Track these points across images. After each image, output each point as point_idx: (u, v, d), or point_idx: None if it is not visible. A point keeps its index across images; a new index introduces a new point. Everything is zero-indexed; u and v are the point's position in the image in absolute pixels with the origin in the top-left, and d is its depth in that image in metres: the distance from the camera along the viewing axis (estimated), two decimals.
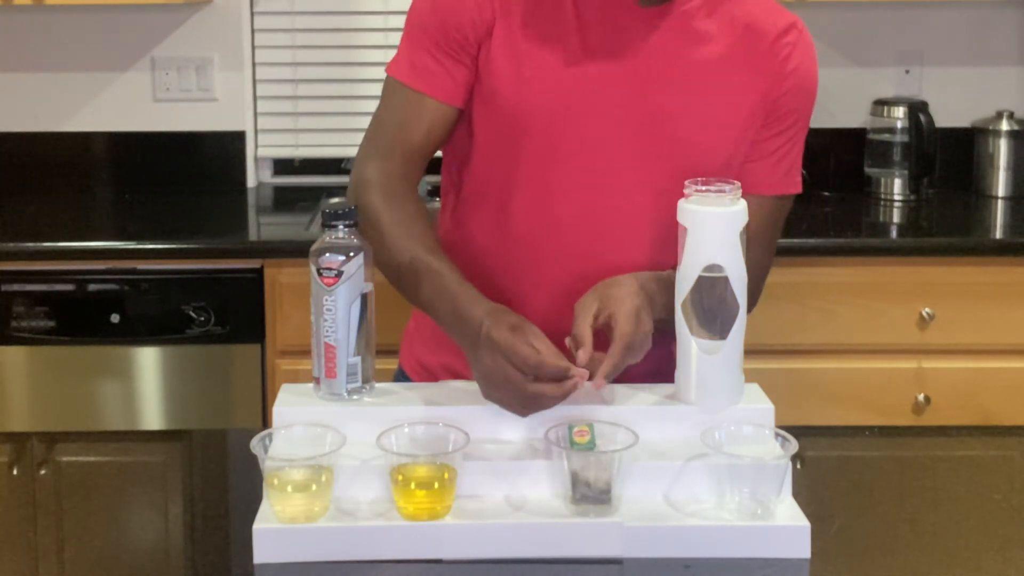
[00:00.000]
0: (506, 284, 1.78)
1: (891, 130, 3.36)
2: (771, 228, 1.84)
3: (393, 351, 1.97)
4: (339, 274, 1.57)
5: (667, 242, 1.74)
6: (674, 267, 1.66)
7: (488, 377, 1.55)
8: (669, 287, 1.66)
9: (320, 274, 1.57)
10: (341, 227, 1.58)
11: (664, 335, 1.71)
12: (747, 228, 1.64)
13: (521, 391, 1.52)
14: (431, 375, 1.87)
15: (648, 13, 1.73)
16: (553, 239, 1.74)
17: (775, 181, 1.83)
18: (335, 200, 3.32)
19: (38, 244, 2.97)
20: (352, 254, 1.57)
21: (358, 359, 1.59)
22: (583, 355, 1.54)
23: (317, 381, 1.60)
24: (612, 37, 1.73)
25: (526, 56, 1.73)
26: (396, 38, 1.83)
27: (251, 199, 3.45)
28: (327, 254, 1.57)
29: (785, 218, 1.89)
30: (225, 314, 2.92)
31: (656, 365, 1.81)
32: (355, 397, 1.59)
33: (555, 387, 1.51)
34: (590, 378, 1.53)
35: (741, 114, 1.77)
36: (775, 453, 1.48)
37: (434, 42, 1.76)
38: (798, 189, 1.86)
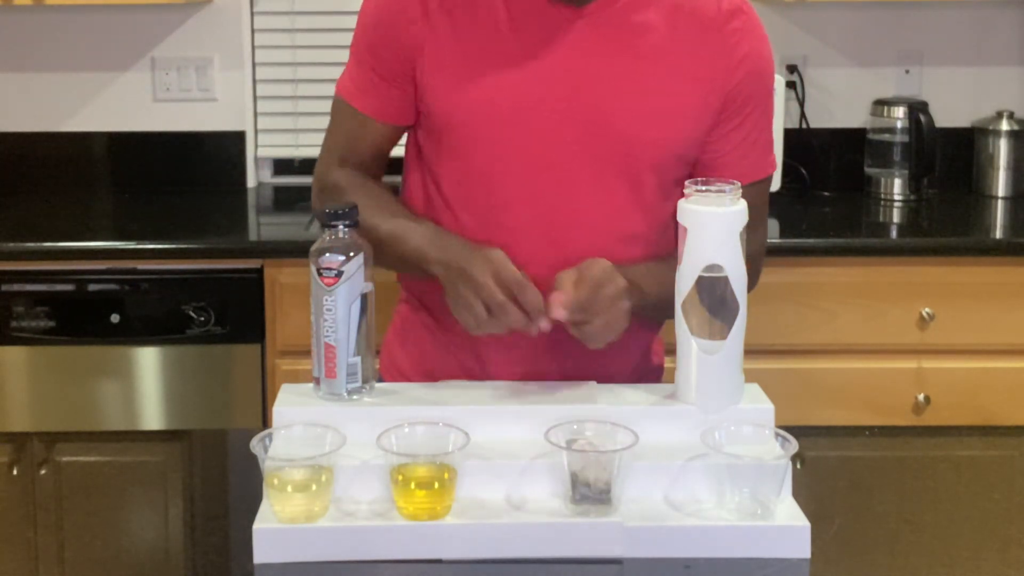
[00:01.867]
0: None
1: (891, 130, 3.36)
2: (758, 211, 1.80)
3: None
4: (339, 274, 1.57)
5: (626, 242, 1.75)
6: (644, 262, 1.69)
7: (467, 278, 1.61)
8: (646, 275, 1.68)
9: (320, 274, 1.57)
10: (341, 227, 1.58)
11: (645, 327, 1.71)
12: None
13: (491, 297, 1.59)
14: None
15: (584, 11, 1.72)
16: (507, 248, 1.70)
17: (748, 169, 1.79)
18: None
19: (38, 244, 2.97)
20: (352, 254, 1.57)
21: (358, 359, 1.59)
22: (555, 296, 1.59)
23: (317, 381, 1.60)
24: (548, 38, 1.72)
25: (463, 67, 1.73)
26: None
27: (251, 199, 3.45)
28: (327, 254, 1.57)
29: (768, 193, 1.89)
30: (225, 314, 2.92)
31: (640, 361, 1.82)
32: (355, 397, 1.59)
33: (520, 315, 1.59)
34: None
35: (690, 105, 1.74)
36: (775, 453, 1.48)
37: (370, 64, 1.79)
38: (773, 168, 1.85)
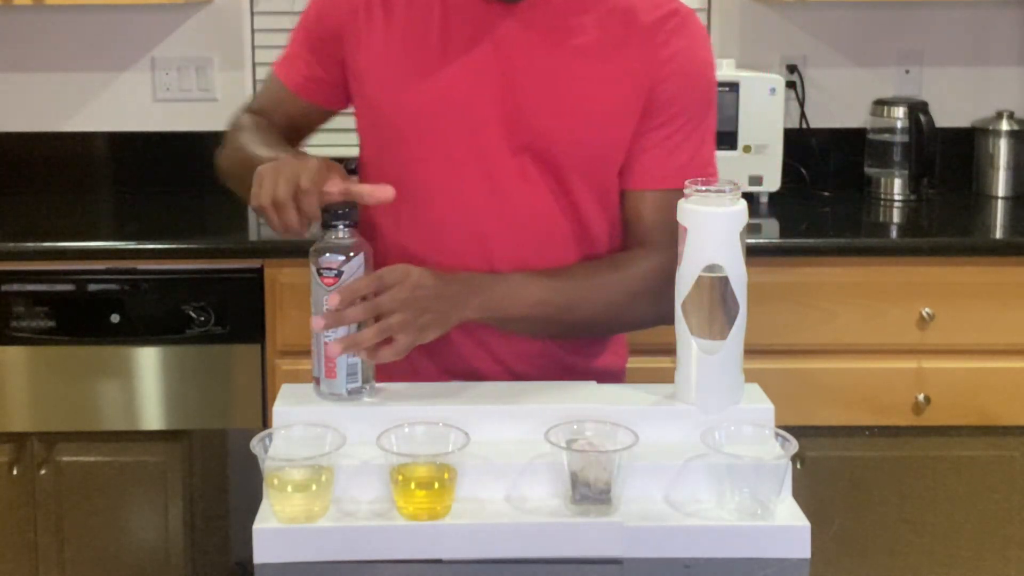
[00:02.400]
0: None
1: (891, 130, 3.36)
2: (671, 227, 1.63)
3: None
4: (339, 274, 1.56)
5: (553, 242, 1.75)
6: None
7: (281, 163, 1.58)
8: (499, 278, 1.69)
9: (320, 274, 1.57)
10: (341, 227, 1.57)
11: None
12: (641, 226, 1.73)
13: (285, 182, 1.54)
14: None
15: (515, 9, 1.72)
16: (436, 244, 1.70)
17: (670, 174, 1.73)
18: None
19: (38, 244, 2.97)
20: (352, 254, 1.57)
21: (358, 359, 1.59)
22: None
23: (317, 381, 1.60)
24: (478, 35, 1.73)
25: (397, 62, 1.75)
26: None
27: None
28: (327, 254, 1.57)
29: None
30: (225, 314, 2.92)
31: (569, 364, 1.82)
32: (355, 397, 1.59)
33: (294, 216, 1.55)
34: None
35: (615, 107, 1.73)
36: (775, 453, 1.48)
37: (302, 41, 1.84)
38: (710, 173, 1.75)
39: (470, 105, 1.73)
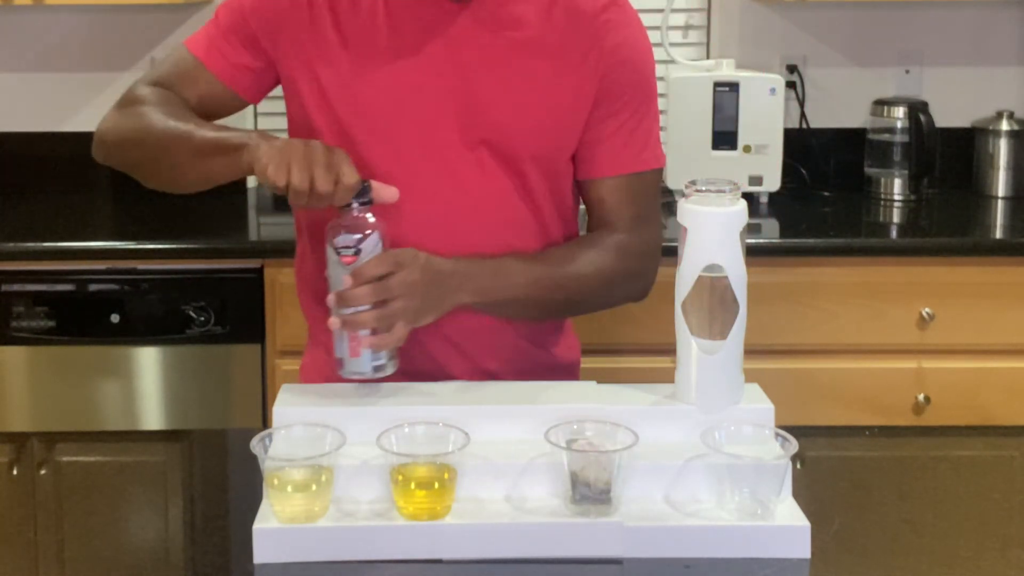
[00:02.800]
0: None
1: (891, 130, 3.36)
2: (645, 202, 1.83)
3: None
4: (358, 252, 1.58)
5: (514, 229, 1.78)
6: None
7: (303, 144, 1.60)
8: (478, 261, 1.72)
9: (339, 253, 1.58)
10: (356, 204, 1.59)
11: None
12: (614, 211, 1.78)
13: (312, 165, 1.57)
14: None
15: (459, 6, 1.74)
16: (398, 242, 1.69)
17: (628, 160, 1.81)
18: None
19: (38, 244, 2.97)
20: (369, 232, 1.58)
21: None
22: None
23: (340, 362, 1.61)
24: (425, 31, 1.74)
25: (341, 63, 1.74)
26: None
27: (251, 199, 3.45)
28: (344, 232, 1.58)
29: (659, 189, 1.88)
30: (225, 314, 2.92)
31: (521, 356, 1.82)
32: (379, 373, 1.61)
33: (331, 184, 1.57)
34: None
35: (564, 95, 1.77)
36: (775, 453, 1.48)
37: (230, 25, 1.80)
38: (659, 162, 1.85)
39: (423, 101, 1.74)
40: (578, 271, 1.79)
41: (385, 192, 1.63)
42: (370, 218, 1.60)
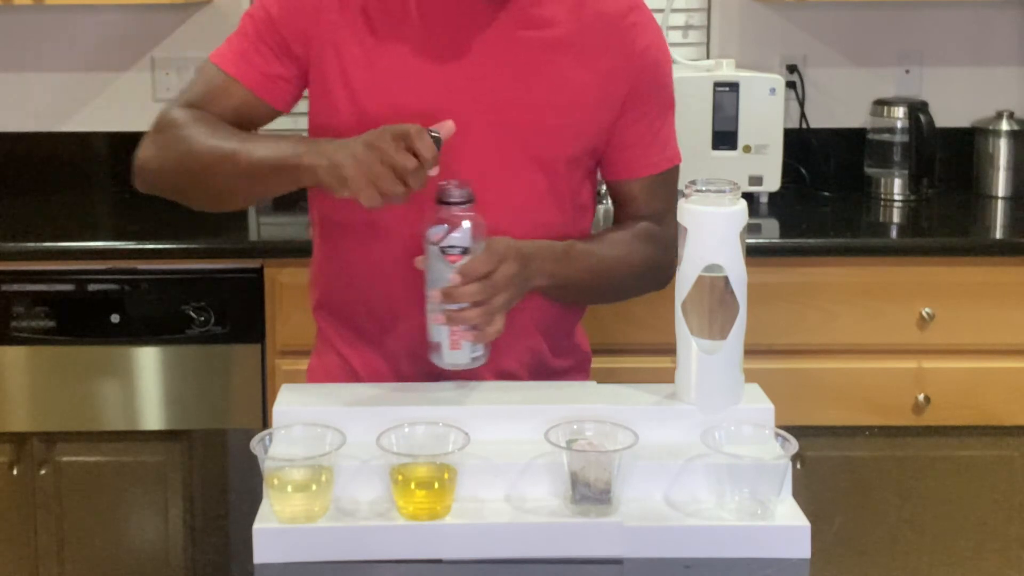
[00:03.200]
0: (382, 305, 1.79)
1: (891, 130, 3.36)
2: (670, 197, 1.88)
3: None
4: (464, 251, 1.60)
5: (540, 231, 1.78)
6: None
7: (367, 146, 1.56)
8: (550, 247, 1.74)
9: (445, 252, 1.59)
10: (461, 205, 1.60)
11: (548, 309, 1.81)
12: (641, 211, 1.83)
13: (390, 158, 1.54)
14: None
15: (490, 6, 1.75)
16: (423, 250, 1.69)
17: (655, 159, 1.87)
18: None
19: (38, 244, 2.97)
20: (475, 232, 1.61)
21: None
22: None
23: (437, 350, 1.64)
24: (456, 33, 1.74)
25: (373, 61, 1.74)
26: None
27: None
28: (453, 232, 1.60)
29: (677, 183, 1.92)
30: (225, 314, 2.92)
31: (536, 355, 1.83)
32: (477, 364, 1.65)
33: (414, 161, 1.55)
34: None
35: (594, 96, 1.78)
36: (775, 453, 1.48)
37: (259, 35, 1.78)
38: (679, 159, 1.90)
39: (456, 101, 1.73)
40: (629, 259, 1.84)
41: (444, 129, 1.62)
42: (472, 216, 1.61)
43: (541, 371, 1.85)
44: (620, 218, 1.91)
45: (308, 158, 1.62)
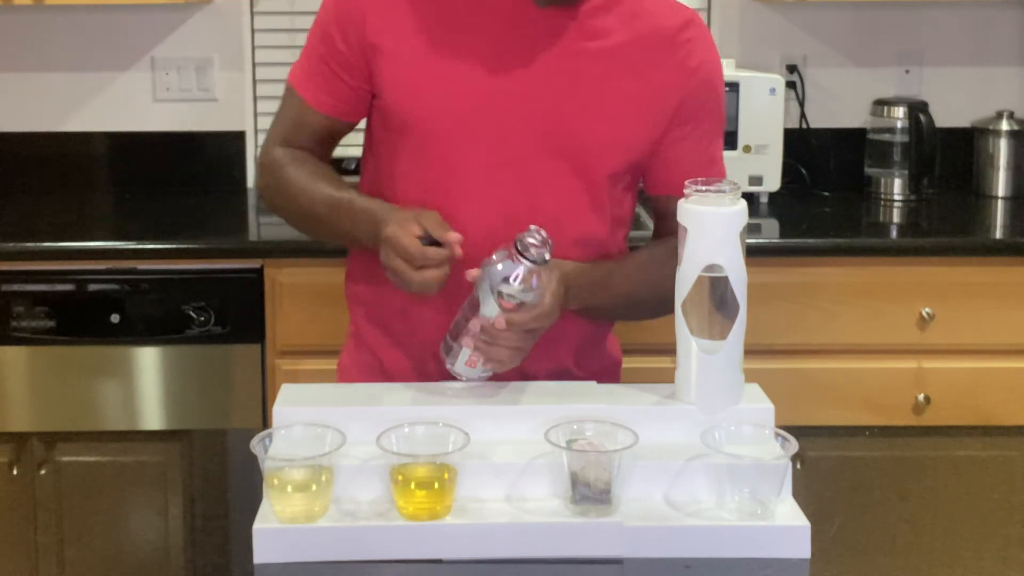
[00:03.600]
0: (421, 298, 1.76)
1: (891, 130, 3.36)
2: None
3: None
4: (521, 304, 1.60)
5: (581, 243, 1.77)
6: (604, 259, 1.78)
7: (386, 240, 1.65)
8: (588, 273, 1.74)
9: (502, 296, 1.59)
10: (535, 263, 1.59)
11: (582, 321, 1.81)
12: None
13: (408, 279, 1.63)
14: None
15: (545, 13, 1.73)
16: (466, 244, 1.69)
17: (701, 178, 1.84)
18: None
19: (38, 244, 2.97)
20: (535, 286, 1.60)
21: None
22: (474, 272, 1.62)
23: (451, 356, 1.66)
24: (509, 38, 1.73)
25: (423, 65, 1.74)
26: None
27: (251, 199, 3.44)
28: (515, 283, 1.59)
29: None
30: (225, 314, 2.92)
31: (560, 365, 1.83)
32: (484, 376, 1.67)
33: (438, 272, 1.62)
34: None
35: (645, 110, 1.77)
36: (775, 453, 1.48)
37: (322, 54, 1.80)
38: (723, 175, 1.86)
39: (504, 106, 1.72)
40: (664, 284, 1.77)
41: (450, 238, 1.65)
42: (541, 272, 1.60)
43: (564, 379, 1.82)
44: (660, 232, 1.88)
45: (366, 240, 1.73)
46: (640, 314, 1.92)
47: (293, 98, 1.86)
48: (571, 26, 1.74)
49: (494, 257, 1.61)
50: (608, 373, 1.93)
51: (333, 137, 1.87)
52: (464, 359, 1.66)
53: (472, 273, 1.62)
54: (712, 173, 1.81)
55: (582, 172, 1.76)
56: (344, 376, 1.93)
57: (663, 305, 1.80)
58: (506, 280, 1.59)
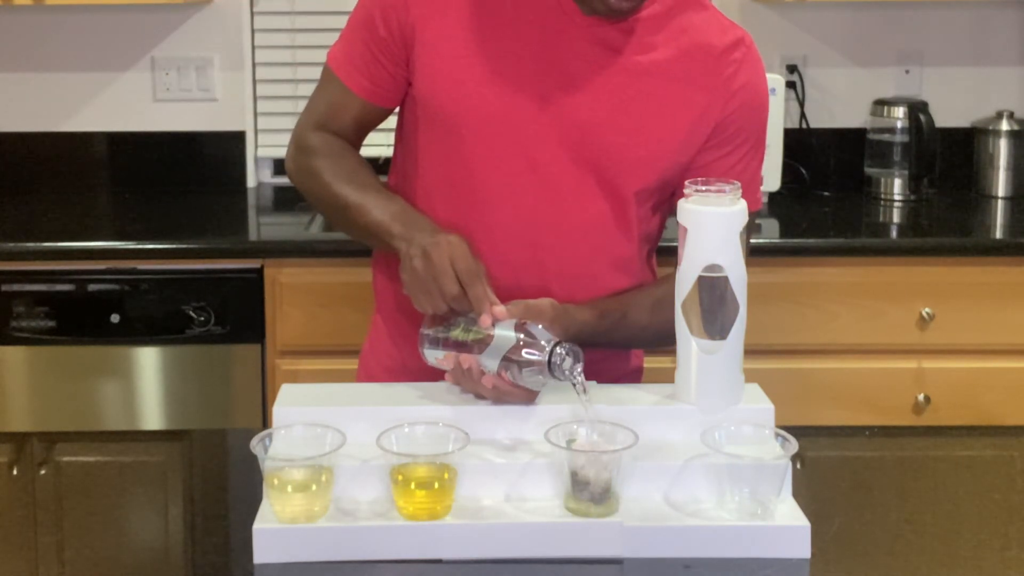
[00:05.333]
0: None
1: (891, 130, 3.36)
2: (742, 243, 1.79)
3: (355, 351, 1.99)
4: (516, 385, 1.57)
5: (602, 253, 1.76)
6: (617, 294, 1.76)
7: (427, 260, 1.61)
8: (593, 329, 1.72)
9: (506, 370, 1.56)
10: (554, 376, 1.54)
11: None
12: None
13: (446, 287, 1.60)
14: None
15: (589, 21, 1.71)
16: (487, 247, 1.70)
17: None
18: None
19: (38, 244, 2.97)
20: (541, 383, 1.56)
21: None
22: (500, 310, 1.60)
23: (426, 346, 1.65)
24: (548, 44, 1.71)
25: (460, 60, 1.72)
26: None
27: (251, 199, 3.45)
28: (529, 377, 1.55)
29: (750, 231, 1.82)
30: (225, 314, 2.92)
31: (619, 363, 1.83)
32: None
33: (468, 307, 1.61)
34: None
35: (679, 128, 1.74)
36: (775, 453, 1.48)
37: (364, 39, 1.78)
38: (757, 206, 1.84)
39: (535, 111, 1.71)
40: (658, 319, 1.77)
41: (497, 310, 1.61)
42: (558, 372, 1.56)
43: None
44: None
45: (397, 241, 1.70)
46: (647, 345, 1.92)
47: (331, 80, 1.83)
48: (616, 38, 1.71)
49: (529, 330, 1.57)
50: (629, 379, 1.91)
51: (370, 121, 1.85)
52: (439, 357, 1.64)
53: (499, 312, 1.59)
54: (751, 192, 1.78)
55: (609, 186, 1.74)
56: (364, 363, 1.94)
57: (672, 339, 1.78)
58: (520, 366, 1.55)
